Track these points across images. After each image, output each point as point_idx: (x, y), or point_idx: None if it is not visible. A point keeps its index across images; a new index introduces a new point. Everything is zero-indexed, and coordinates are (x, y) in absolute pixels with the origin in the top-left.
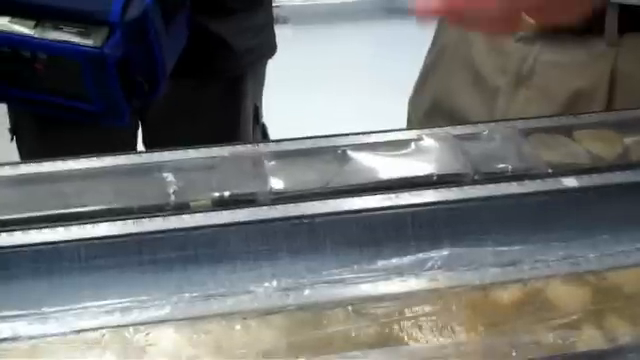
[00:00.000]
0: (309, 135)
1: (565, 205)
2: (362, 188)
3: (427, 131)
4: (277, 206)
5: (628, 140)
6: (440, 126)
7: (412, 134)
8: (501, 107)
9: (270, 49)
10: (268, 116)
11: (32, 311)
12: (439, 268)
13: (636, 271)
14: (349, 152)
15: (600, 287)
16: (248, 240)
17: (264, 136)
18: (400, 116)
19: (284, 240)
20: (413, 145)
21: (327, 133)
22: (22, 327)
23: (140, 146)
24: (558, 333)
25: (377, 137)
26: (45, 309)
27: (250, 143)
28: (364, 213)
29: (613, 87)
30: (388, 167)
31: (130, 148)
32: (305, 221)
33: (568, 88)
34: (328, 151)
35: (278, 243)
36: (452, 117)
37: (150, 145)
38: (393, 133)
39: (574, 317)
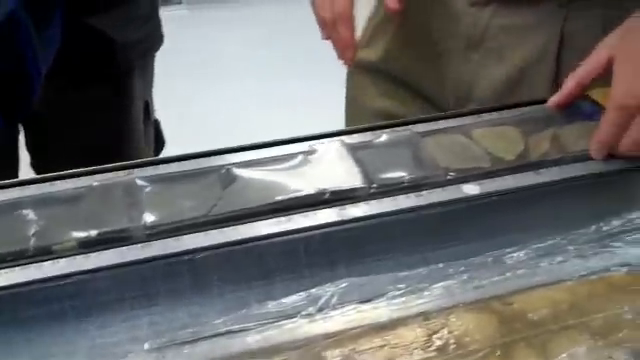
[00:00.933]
0: (207, 126)
1: (466, 215)
2: (249, 213)
3: (318, 142)
4: (153, 242)
5: (529, 137)
6: (337, 133)
7: (303, 146)
8: (452, 71)
9: (157, 41)
10: (163, 108)
11: None
12: (335, 306)
13: (542, 293)
14: (234, 171)
15: (506, 315)
16: (121, 286)
17: (157, 134)
18: (299, 99)
19: (162, 283)
20: (303, 158)
21: (227, 123)
22: None
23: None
24: None
25: (264, 152)
26: None
27: (122, 167)
28: (252, 243)
29: (562, 48)
30: (277, 186)
31: (10, 155)
32: (185, 258)
33: (519, 50)
34: (210, 171)
35: (156, 286)
36: (400, 81)
37: (35, 151)
38: (282, 146)
39: (481, 354)
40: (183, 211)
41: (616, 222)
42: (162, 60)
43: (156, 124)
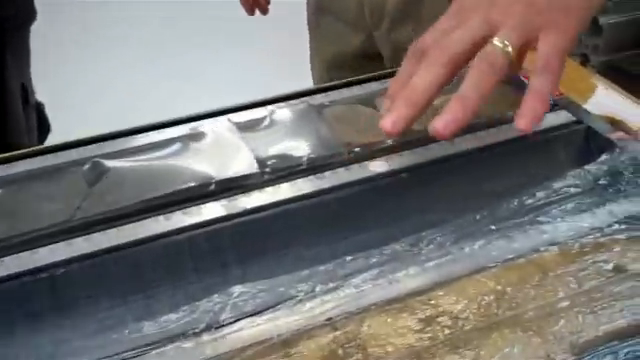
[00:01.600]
0: (98, 109)
1: (374, 197)
2: (121, 214)
3: (201, 123)
4: (3, 259)
5: (439, 100)
6: (223, 111)
7: (184, 129)
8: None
9: (29, 15)
10: (46, 91)
11: None
12: (226, 321)
13: (465, 285)
14: (103, 163)
15: (426, 315)
16: None
17: (40, 118)
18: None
19: (18, 306)
20: (184, 143)
21: (118, 105)
22: None
23: None
24: None
25: (139, 139)
26: None
27: None
28: (125, 250)
29: None
30: (154, 179)
31: None
32: (44, 275)
33: None
34: (74, 165)
35: (10, 311)
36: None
37: None
38: (159, 131)
39: None
40: (40, 217)
41: (540, 194)
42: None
43: (39, 108)
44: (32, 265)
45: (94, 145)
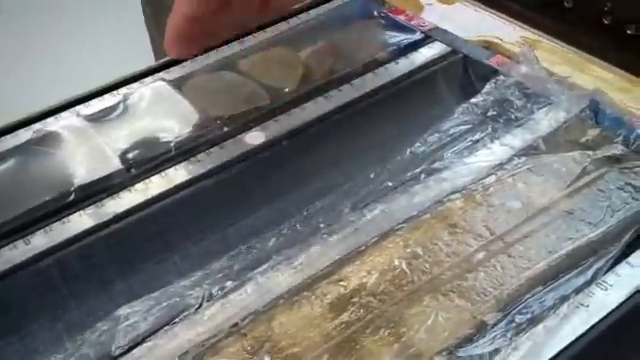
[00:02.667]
0: None
1: (256, 172)
2: None
3: (44, 123)
4: None
5: (305, 53)
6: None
7: (26, 134)
8: None
9: None
10: None
11: None
12: (117, 354)
13: (374, 256)
14: None
15: (339, 297)
16: None
17: None
18: None
19: None
20: (30, 151)
21: None
22: None
23: None
24: None
25: None
26: None
27: None
28: None
29: None
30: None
31: None
32: None
33: None
34: None
35: None
36: None
37: None
38: None
39: (326, 357)
40: None
41: (431, 138)
42: None
43: None
44: None
45: None
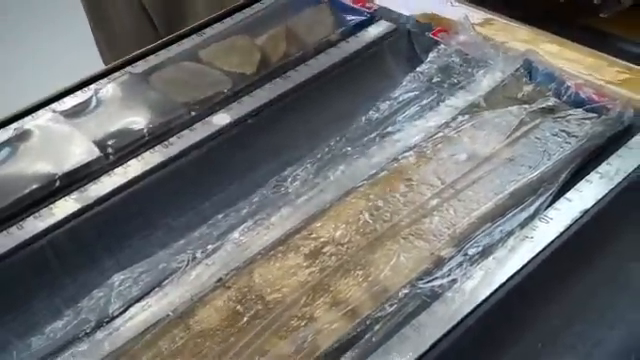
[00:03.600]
0: None
1: (227, 150)
2: None
3: (23, 121)
4: None
5: (261, 40)
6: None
7: (7, 132)
8: None
9: None
10: None
11: None
12: (114, 314)
13: (340, 210)
14: None
15: (311, 249)
16: None
17: None
18: None
19: None
20: (13, 145)
21: None
22: None
23: None
24: (294, 335)
25: None
26: None
27: None
28: None
29: None
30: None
31: None
32: None
33: None
34: None
35: None
36: None
37: None
38: None
39: (301, 303)
40: None
41: (383, 105)
42: None
43: None
44: None
45: None
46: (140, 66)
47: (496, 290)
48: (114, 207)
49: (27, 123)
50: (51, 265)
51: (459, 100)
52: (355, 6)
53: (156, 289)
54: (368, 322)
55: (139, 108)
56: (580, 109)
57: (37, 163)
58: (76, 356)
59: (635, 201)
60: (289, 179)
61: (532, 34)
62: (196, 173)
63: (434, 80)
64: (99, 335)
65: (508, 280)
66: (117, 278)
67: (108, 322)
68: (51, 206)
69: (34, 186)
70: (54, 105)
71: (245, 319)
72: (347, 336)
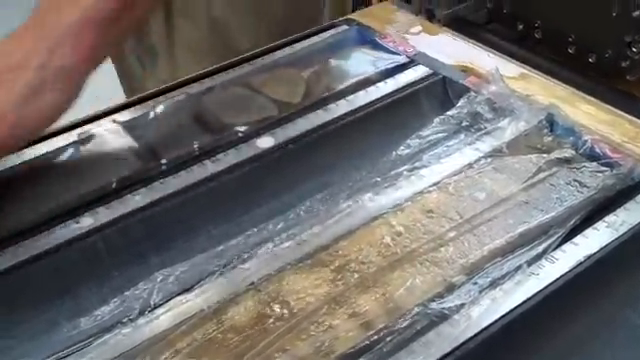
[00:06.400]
0: None
1: (267, 170)
2: (30, 226)
3: (87, 128)
4: None
5: (307, 73)
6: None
7: (71, 136)
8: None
9: None
10: None
11: None
12: (157, 304)
13: (364, 234)
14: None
15: (336, 265)
16: None
17: None
18: None
19: None
20: (77, 149)
21: None
22: None
23: None
24: (313, 338)
25: (27, 152)
26: None
27: None
28: (45, 257)
29: None
30: (54, 186)
31: None
32: None
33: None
34: None
35: None
36: None
37: None
38: (46, 142)
39: (323, 311)
40: None
41: (413, 143)
42: None
43: None
44: None
45: None
46: (195, 87)
47: (500, 318)
48: (163, 212)
49: (90, 130)
50: (102, 258)
51: (484, 144)
52: (396, 49)
53: (194, 286)
54: (381, 334)
55: (192, 125)
56: (595, 162)
57: (97, 164)
58: (118, 338)
59: (636, 251)
60: (321, 201)
61: (565, 92)
62: (238, 188)
63: (463, 124)
64: (141, 321)
65: (512, 310)
66: (160, 274)
67: (150, 311)
68: (107, 206)
69: (93, 187)
70: (115, 115)
71: (271, 320)
72: (361, 344)
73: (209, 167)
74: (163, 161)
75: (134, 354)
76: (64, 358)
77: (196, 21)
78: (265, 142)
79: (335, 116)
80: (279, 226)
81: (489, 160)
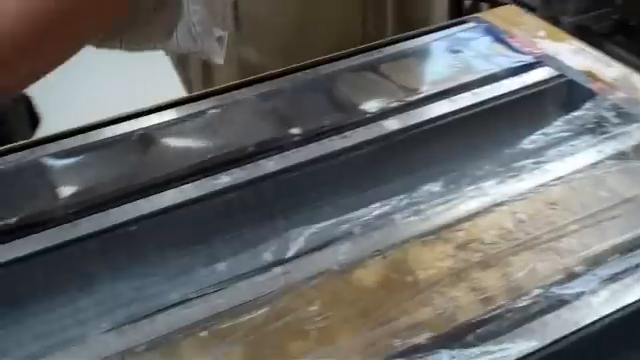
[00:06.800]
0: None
1: (391, 151)
2: (174, 177)
3: (226, 96)
4: (79, 221)
5: (434, 64)
6: (242, 84)
7: (211, 102)
8: None
9: None
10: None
11: None
12: (291, 258)
13: (487, 216)
14: (148, 135)
15: (459, 241)
16: (54, 270)
17: (30, 111)
18: None
19: (98, 261)
20: (216, 113)
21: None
22: None
23: None
24: (435, 305)
25: (169, 113)
26: None
27: (22, 147)
28: (184, 207)
29: None
30: (196, 146)
31: None
32: (118, 232)
33: None
34: (121, 139)
35: (91, 265)
36: None
37: None
38: (189, 105)
39: (445, 283)
40: (104, 184)
41: (537, 138)
42: None
43: (27, 101)
44: (107, 225)
45: (134, 120)
46: (323, 69)
47: (620, 309)
48: (293, 178)
49: (229, 98)
50: (235, 214)
51: (608, 147)
52: (522, 49)
53: (322, 247)
54: (501, 310)
55: (321, 103)
56: None
57: (234, 129)
58: (254, 283)
59: None
60: (445, 184)
61: None
62: (363, 165)
63: (587, 126)
64: (277, 270)
65: (632, 303)
66: (291, 233)
67: (286, 262)
68: (242, 167)
69: (229, 149)
70: (252, 87)
71: (395, 285)
72: (481, 317)
73: (337, 142)
74: (297, 131)
75: (268, 300)
76: (202, 296)
77: None
78: (392, 124)
79: (461, 107)
80: (403, 202)
81: (614, 162)
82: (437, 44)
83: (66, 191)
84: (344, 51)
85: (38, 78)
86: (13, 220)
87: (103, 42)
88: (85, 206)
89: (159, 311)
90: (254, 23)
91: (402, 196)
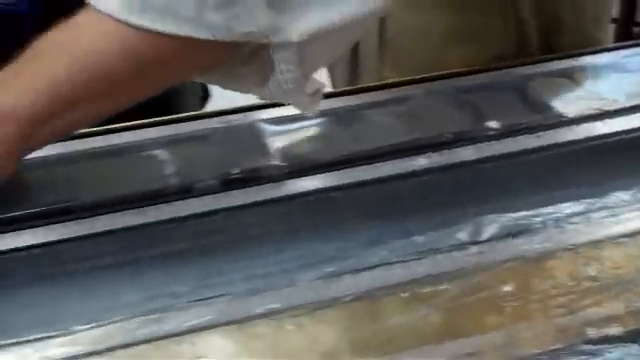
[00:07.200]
0: None
1: (583, 156)
2: (377, 153)
3: (419, 86)
4: (289, 181)
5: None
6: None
7: (406, 91)
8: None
9: None
10: None
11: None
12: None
13: None
14: (355, 113)
15: None
16: (266, 222)
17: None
18: None
19: (303, 219)
20: (416, 102)
21: None
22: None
23: None
24: (627, 301)
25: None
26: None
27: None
28: (383, 183)
29: None
30: (397, 128)
31: None
32: (321, 196)
33: None
34: (329, 113)
35: (297, 222)
36: None
37: None
38: (393, 89)
39: (637, 282)
40: (316, 151)
41: None
42: None
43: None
44: (314, 187)
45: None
46: (521, 70)
47: None
48: (489, 169)
49: (421, 88)
50: (428, 195)
51: None
52: None
53: (519, 236)
54: None
55: (516, 102)
56: None
57: (435, 119)
58: (452, 258)
59: None
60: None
61: None
62: (559, 165)
63: None
64: (473, 249)
65: None
66: (491, 220)
67: (481, 243)
68: (440, 153)
69: (431, 134)
70: (445, 81)
71: (587, 279)
72: None
73: (532, 141)
74: (493, 125)
75: (464, 274)
76: (402, 262)
77: None
78: (585, 130)
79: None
80: (595, 205)
81: None
82: (629, 60)
83: (277, 153)
84: (541, 57)
85: None
86: (233, 172)
87: (201, 76)
88: (295, 169)
89: (361, 270)
90: (397, 48)
91: (594, 199)
